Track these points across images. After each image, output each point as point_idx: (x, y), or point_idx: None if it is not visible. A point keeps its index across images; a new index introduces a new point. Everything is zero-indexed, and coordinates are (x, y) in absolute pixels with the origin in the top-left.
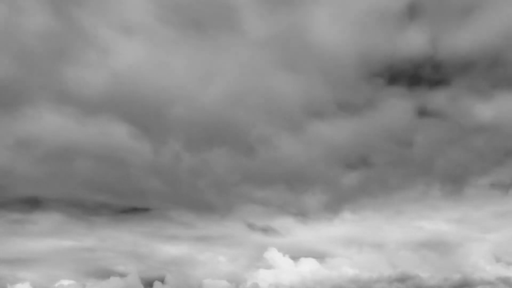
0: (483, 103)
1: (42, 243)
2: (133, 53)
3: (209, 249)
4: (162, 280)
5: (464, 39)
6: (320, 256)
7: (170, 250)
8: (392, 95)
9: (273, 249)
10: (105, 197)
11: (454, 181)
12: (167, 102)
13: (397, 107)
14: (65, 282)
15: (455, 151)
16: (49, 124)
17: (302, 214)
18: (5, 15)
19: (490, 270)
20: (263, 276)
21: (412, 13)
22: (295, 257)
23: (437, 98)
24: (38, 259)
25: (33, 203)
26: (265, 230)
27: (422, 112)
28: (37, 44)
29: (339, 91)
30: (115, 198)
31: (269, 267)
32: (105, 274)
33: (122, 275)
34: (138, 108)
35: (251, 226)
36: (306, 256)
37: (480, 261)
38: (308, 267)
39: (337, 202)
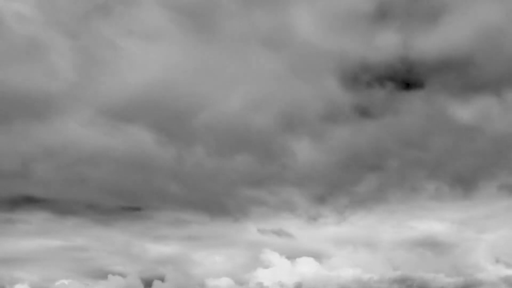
0: (459, 104)
1: (35, 242)
2: (157, 62)
3: (206, 249)
4: (161, 279)
5: (435, 41)
6: (321, 257)
7: (165, 250)
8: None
9: (276, 249)
10: (120, 201)
11: (461, 182)
12: (192, 109)
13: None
14: (66, 282)
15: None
16: (77, 132)
17: (310, 217)
18: (33, 30)
19: (493, 270)
20: (264, 275)
21: (382, 15)
22: (295, 257)
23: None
24: (33, 259)
25: (24, 203)
26: (276, 233)
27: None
28: (64, 56)
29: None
30: (127, 201)
31: (268, 266)
32: (102, 273)
33: (119, 274)
34: (164, 115)
35: (260, 229)
36: (307, 256)
37: (483, 261)
38: (309, 267)
39: (347, 206)
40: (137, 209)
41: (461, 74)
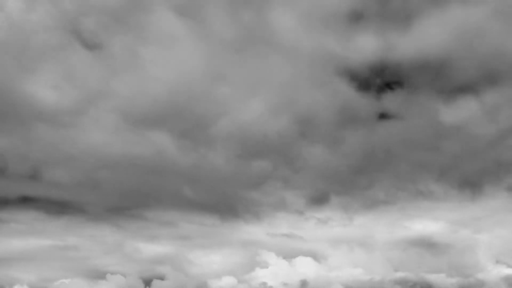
0: (443, 106)
1: (29, 242)
2: (176, 68)
3: (204, 249)
4: (161, 279)
5: (410, 43)
6: (319, 257)
7: (163, 249)
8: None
9: (272, 249)
10: (126, 202)
11: (465, 184)
12: (211, 115)
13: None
14: (66, 281)
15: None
16: (95, 138)
17: (317, 219)
18: (54, 39)
19: (494, 270)
20: (265, 274)
21: (358, 17)
22: (291, 257)
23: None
24: (29, 259)
25: (18, 202)
26: (285, 235)
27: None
28: (85, 64)
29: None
30: (131, 202)
31: (265, 267)
32: (100, 273)
33: (118, 274)
34: (183, 121)
35: (269, 233)
36: (304, 256)
37: (484, 261)
38: (308, 267)
39: (352, 207)
40: (138, 209)
41: (440, 76)
